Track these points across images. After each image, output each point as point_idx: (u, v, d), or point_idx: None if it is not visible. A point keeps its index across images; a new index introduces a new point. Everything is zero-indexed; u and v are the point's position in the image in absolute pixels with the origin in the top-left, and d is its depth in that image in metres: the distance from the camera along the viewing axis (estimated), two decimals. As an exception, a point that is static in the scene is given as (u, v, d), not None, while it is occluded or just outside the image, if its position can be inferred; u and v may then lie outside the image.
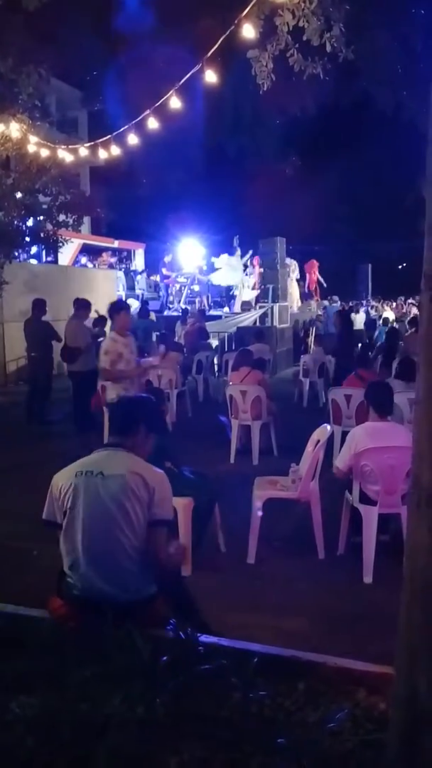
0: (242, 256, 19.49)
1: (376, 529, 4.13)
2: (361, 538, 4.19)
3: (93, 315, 10.04)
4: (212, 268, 20.54)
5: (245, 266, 19.35)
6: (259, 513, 4.42)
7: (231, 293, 19.83)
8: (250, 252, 19.28)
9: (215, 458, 6.92)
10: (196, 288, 20.48)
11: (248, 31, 5.29)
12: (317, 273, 21.93)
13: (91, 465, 2.69)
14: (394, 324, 16.43)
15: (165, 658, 2.22)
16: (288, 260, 18.66)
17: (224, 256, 19.99)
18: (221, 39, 5.26)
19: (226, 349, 14.33)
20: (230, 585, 3.58)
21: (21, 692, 2.14)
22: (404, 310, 19.43)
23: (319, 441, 4.50)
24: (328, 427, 4.82)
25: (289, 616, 3.64)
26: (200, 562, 4.06)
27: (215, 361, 13.36)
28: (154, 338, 12.57)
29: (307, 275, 21.76)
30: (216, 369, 13.17)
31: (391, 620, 2.08)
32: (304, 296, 20.51)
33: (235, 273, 19.46)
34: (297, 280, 19.98)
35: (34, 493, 3.14)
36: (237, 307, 18.69)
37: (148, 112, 6.30)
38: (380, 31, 7.46)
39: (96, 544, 2.58)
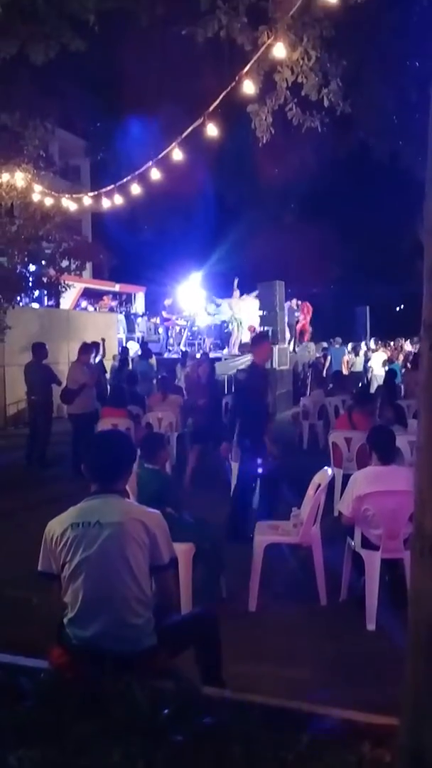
0: (240, 296, 19.69)
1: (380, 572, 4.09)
2: (364, 582, 4.14)
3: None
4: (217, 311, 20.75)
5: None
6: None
7: (225, 330, 19.99)
8: (236, 281, 19.49)
9: (215, 502, 6.85)
10: (203, 324, 20.57)
11: (248, 87, 5.50)
12: (309, 315, 22.12)
13: (86, 515, 2.63)
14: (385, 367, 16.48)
15: (166, 711, 2.18)
16: (295, 302, 18.95)
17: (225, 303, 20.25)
18: (222, 94, 5.46)
19: (225, 392, 14.36)
20: (231, 633, 3.50)
21: (20, 745, 2.09)
22: (398, 354, 19.48)
23: (320, 485, 4.49)
24: (329, 470, 4.82)
25: (291, 665, 3.58)
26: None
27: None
28: (154, 381, 12.63)
29: (301, 317, 21.94)
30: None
31: (396, 669, 2.06)
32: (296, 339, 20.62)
33: (223, 314, 19.70)
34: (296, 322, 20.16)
35: (32, 539, 3.11)
36: (235, 348, 18.81)
37: (150, 163, 6.49)
38: (376, 84, 7.77)
39: (98, 595, 2.55)
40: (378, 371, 16.30)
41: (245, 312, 19.23)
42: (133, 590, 2.54)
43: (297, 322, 20.13)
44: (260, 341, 6.74)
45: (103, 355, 13.36)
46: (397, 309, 35.85)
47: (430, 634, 1.96)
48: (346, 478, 5.56)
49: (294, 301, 19.71)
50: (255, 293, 18.62)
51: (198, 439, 8.34)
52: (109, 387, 12.12)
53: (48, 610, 2.89)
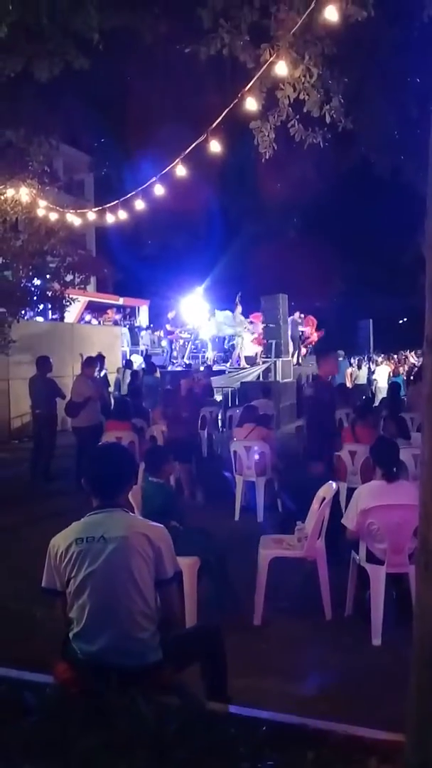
0: (242, 313, 19.78)
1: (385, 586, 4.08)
2: (369, 596, 4.12)
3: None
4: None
5: (250, 322, 19.58)
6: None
7: (230, 344, 20.06)
8: (239, 296, 19.60)
9: (219, 515, 6.87)
10: (206, 337, 20.68)
11: (251, 104, 5.57)
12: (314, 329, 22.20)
13: (90, 530, 2.62)
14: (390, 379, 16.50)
15: (171, 726, 2.18)
16: (298, 315, 19.04)
17: (221, 314, 20.34)
18: (225, 111, 5.52)
19: (230, 405, 14.38)
20: (236, 647, 3.49)
21: (26, 760, 2.09)
22: (401, 367, 19.53)
23: (324, 498, 4.49)
24: (334, 484, 4.81)
25: (296, 680, 3.56)
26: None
27: (219, 416, 13.39)
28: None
29: (308, 330, 22.00)
30: (220, 424, 13.19)
31: (402, 684, 2.05)
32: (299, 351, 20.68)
33: (229, 328, 19.77)
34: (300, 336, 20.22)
35: (36, 553, 3.11)
36: (239, 362, 18.86)
37: (154, 179, 6.55)
38: (378, 101, 7.84)
39: (103, 610, 2.54)
40: (383, 384, 16.32)
41: (247, 328, 19.35)
42: (139, 604, 2.54)
43: (301, 335, 20.17)
44: (326, 355, 6.58)
45: (103, 369, 13.42)
46: (400, 322, 35.94)
47: (436, 648, 1.96)
48: (350, 492, 5.55)
49: (297, 314, 19.76)
50: (258, 324, 18.68)
51: (180, 457, 6.77)
52: (113, 400, 12.15)
53: (52, 624, 2.88)
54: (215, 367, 17.94)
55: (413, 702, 2.02)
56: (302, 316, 20.42)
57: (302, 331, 20.20)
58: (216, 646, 2.90)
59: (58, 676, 2.59)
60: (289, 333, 18.32)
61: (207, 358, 19.79)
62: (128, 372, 15.54)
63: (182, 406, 9.00)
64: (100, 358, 11.97)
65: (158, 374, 15.82)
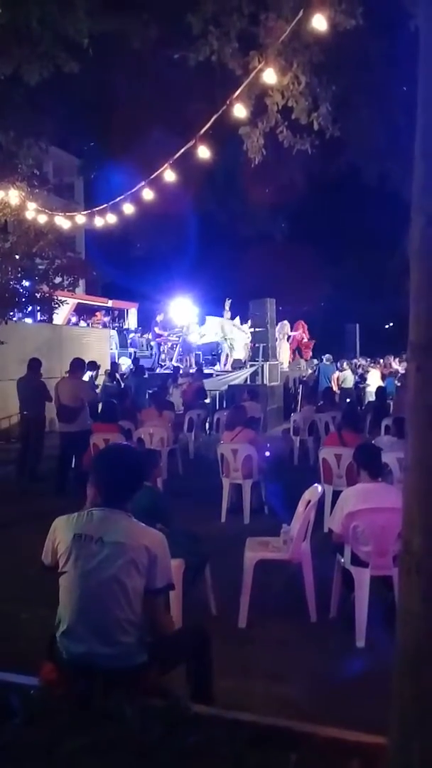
0: (232, 319, 19.85)
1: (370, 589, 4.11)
2: (354, 599, 4.16)
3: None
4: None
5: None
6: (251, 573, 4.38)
7: (218, 350, 20.14)
8: (228, 302, 19.69)
9: (206, 517, 6.88)
10: (194, 340, 20.78)
11: (239, 111, 5.61)
12: (304, 333, 22.34)
13: (90, 528, 2.62)
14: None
15: (155, 728, 2.19)
16: (282, 323, 19.18)
17: (211, 321, 20.44)
18: (213, 118, 5.56)
19: (217, 407, 14.41)
20: (221, 649, 3.52)
21: (9, 763, 2.09)
22: (391, 369, 19.67)
23: (310, 501, 4.52)
24: (319, 487, 4.85)
25: (280, 682, 3.59)
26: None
27: (207, 418, 13.41)
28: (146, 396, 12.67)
29: (298, 333, 22.15)
30: (207, 426, 13.21)
31: (385, 686, 2.07)
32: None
33: (217, 335, 19.89)
34: (287, 340, 20.34)
35: (20, 554, 3.12)
36: (226, 365, 18.90)
37: (143, 183, 6.57)
38: (365, 108, 7.92)
39: (90, 612, 2.55)
40: (374, 389, 16.36)
41: (237, 333, 19.40)
42: (126, 612, 2.54)
43: (290, 338, 20.31)
44: None
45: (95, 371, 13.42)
46: (386, 327, 36.15)
47: (418, 652, 1.97)
48: (336, 495, 5.59)
49: (287, 326, 20.04)
50: (248, 325, 18.74)
51: None
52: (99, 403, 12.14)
53: (38, 625, 2.89)
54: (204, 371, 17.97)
55: (396, 705, 2.03)
56: (289, 326, 20.62)
57: (290, 335, 20.33)
58: (202, 648, 2.91)
59: (44, 676, 2.60)
60: (277, 337, 18.42)
61: (190, 363, 19.83)
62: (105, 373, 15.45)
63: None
64: (92, 365, 12.00)
65: (146, 375, 15.85)
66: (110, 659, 2.52)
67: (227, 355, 19.54)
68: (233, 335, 19.40)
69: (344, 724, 2.55)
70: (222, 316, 19.99)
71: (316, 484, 4.87)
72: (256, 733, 2.27)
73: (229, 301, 19.95)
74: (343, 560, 4.35)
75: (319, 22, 5.09)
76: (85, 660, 2.52)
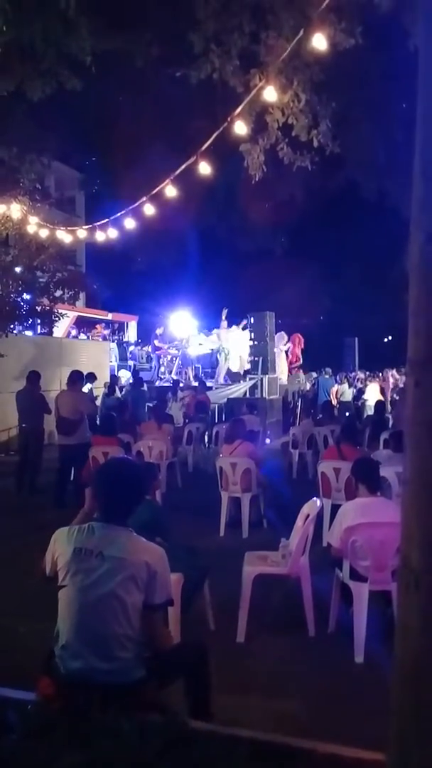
0: (228, 327, 19.89)
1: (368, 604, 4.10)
2: (353, 613, 4.15)
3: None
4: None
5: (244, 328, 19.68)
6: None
7: (215, 359, 20.18)
8: (225, 311, 19.77)
9: (205, 531, 6.87)
10: (194, 353, 20.84)
11: (240, 128, 5.68)
12: (300, 346, 22.37)
13: (91, 542, 2.62)
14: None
15: (153, 744, 2.18)
16: (281, 334, 19.19)
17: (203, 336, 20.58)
18: (215, 134, 5.63)
19: (216, 420, 14.40)
20: (219, 664, 3.52)
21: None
22: (391, 383, 19.71)
23: (308, 515, 4.52)
24: (318, 501, 4.84)
25: (279, 698, 3.57)
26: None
27: (206, 432, 13.40)
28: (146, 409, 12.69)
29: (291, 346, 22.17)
30: (206, 440, 13.21)
31: (384, 702, 2.06)
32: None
33: (212, 344, 19.93)
34: (285, 352, 20.37)
35: (18, 567, 3.12)
36: (221, 377, 18.91)
37: (144, 199, 6.63)
38: (364, 125, 8.01)
39: (89, 627, 2.55)
40: (373, 403, 16.37)
41: (233, 342, 19.41)
42: (124, 627, 2.54)
43: (287, 352, 20.35)
44: None
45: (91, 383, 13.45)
46: (385, 340, 36.26)
47: (416, 668, 1.97)
48: (334, 509, 5.59)
49: (285, 338, 20.06)
50: (242, 324, 18.80)
51: None
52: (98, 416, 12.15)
53: (36, 639, 2.88)
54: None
55: (394, 721, 2.02)
56: (287, 339, 20.65)
57: (285, 350, 20.38)
58: (200, 663, 2.90)
59: (41, 691, 2.59)
60: (276, 350, 18.45)
61: (188, 375, 19.85)
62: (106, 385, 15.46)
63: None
64: (90, 376, 12.03)
65: (145, 388, 15.85)
66: (108, 674, 2.51)
67: (222, 366, 19.54)
68: (229, 344, 19.41)
69: (343, 740, 2.54)
70: (219, 326, 20.05)
71: (314, 498, 4.87)
72: (255, 749, 2.27)
73: (226, 310, 20.02)
74: (341, 575, 4.34)
75: (319, 42, 5.16)
76: (83, 675, 2.51)
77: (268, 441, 12.56)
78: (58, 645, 2.61)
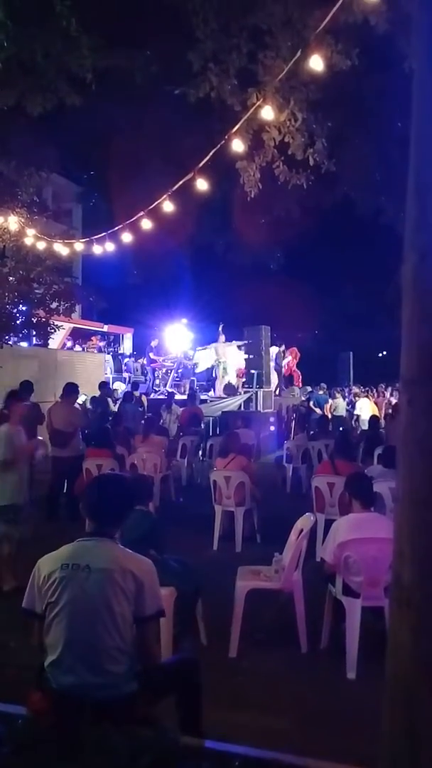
0: (226, 341, 19.96)
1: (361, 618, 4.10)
2: (345, 629, 4.14)
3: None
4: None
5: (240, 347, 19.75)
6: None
7: (212, 374, 20.23)
8: (221, 326, 19.88)
9: (198, 544, 6.85)
10: (191, 363, 20.92)
11: (237, 145, 5.75)
12: (295, 360, 22.44)
13: (77, 557, 2.63)
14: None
15: (144, 760, 2.18)
16: (280, 348, 19.30)
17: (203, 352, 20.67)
18: (212, 152, 5.69)
19: (210, 434, 14.39)
20: (211, 679, 3.51)
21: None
22: (384, 399, 19.78)
23: (302, 530, 4.52)
24: (312, 516, 4.85)
25: (270, 714, 3.56)
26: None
27: (200, 444, 13.39)
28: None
29: (290, 359, 22.23)
30: (201, 453, 13.19)
31: (376, 718, 2.07)
32: (283, 383, 20.88)
33: (210, 360, 20.01)
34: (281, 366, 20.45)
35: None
36: (219, 391, 18.94)
37: (142, 214, 6.69)
38: (360, 144, 8.11)
39: (79, 641, 2.54)
40: (366, 418, 16.41)
41: (230, 357, 19.47)
42: (115, 639, 2.53)
43: (281, 366, 20.39)
44: None
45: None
46: (380, 355, 36.41)
47: (407, 685, 1.97)
48: (328, 524, 5.59)
49: (282, 347, 20.09)
50: (238, 343, 18.88)
51: None
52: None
53: (27, 654, 2.87)
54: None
55: (386, 737, 2.03)
56: (284, 351, 20.70)
57: (281, 365, 20.44)
58: (192, 678, 2.89)
59: (32, 706, 2.57)
60: (272, 364, 18.50)
61: (183, 387, 19.89)
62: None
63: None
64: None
65: (144, 400, 15.84)
66: (99, 689, 2.50)
67: (220, 380, 19.57)
68: (226, 357, 19.47)
69: (334, 756, 2.54)
70: (217, 340, 20.11)
71: (308, 513, 4.88)
72: (246, 765, 2.26)
73: (222, 325, 20.09)
74: (334, 590, 4.34)
75: (316, 63, 5.24)
76: (75, 690, 2.50)
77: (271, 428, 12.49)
78: (48, 660, 2.59)
